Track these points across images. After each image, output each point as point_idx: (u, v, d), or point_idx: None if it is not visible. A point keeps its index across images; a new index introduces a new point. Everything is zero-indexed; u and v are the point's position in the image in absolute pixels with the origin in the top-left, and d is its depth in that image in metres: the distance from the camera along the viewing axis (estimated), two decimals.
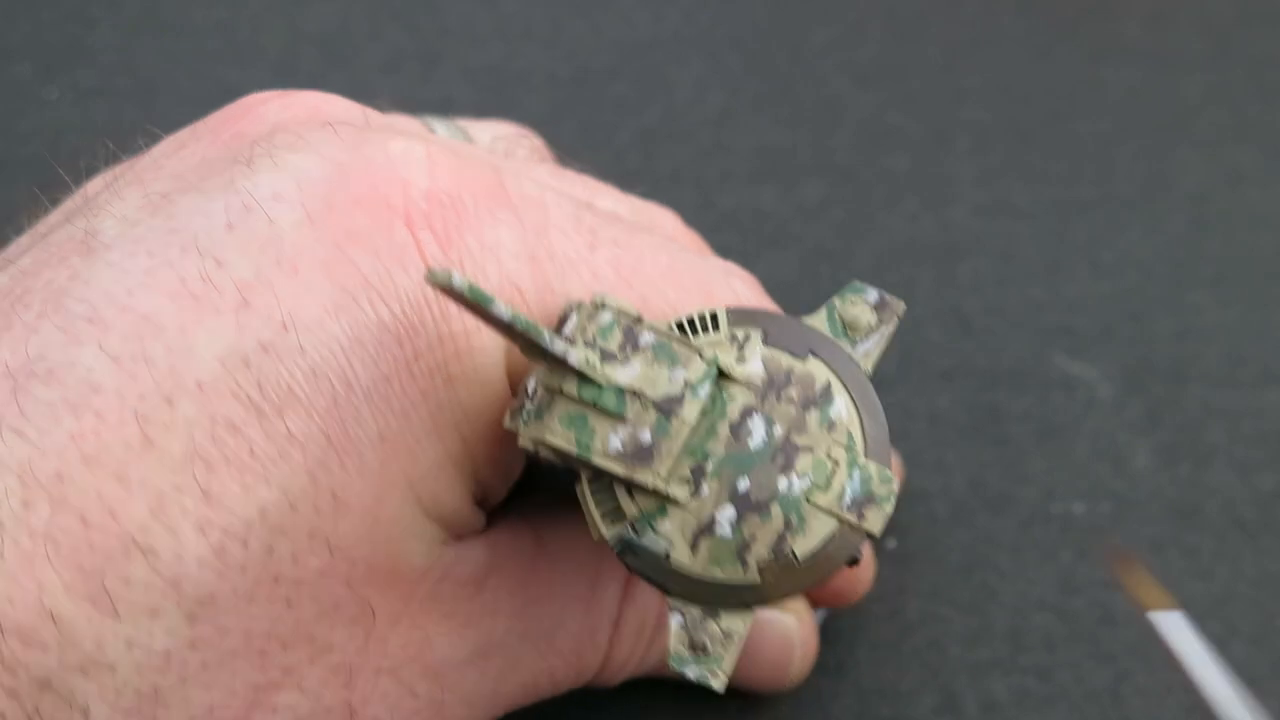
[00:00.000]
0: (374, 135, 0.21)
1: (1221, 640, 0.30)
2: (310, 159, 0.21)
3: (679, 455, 0.19)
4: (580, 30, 0.43)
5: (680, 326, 0.20)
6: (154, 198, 0.20)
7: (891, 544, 0.31)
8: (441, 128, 0.27)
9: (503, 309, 0.17)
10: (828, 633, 0.30)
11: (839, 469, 0.19)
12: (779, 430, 0.19)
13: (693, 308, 0.21)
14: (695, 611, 0.19)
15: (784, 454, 0.19)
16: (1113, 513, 0.32)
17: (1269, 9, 0.45)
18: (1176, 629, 0.19)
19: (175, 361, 0.19)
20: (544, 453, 0.19)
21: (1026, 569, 0.31)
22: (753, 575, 0.19)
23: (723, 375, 0.20)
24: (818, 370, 0.20)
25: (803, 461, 0.19)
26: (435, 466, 0.20)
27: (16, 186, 0.39)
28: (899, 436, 0.33)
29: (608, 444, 0.19)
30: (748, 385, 0.20)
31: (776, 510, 0.19)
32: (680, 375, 0.19)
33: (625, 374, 0.19)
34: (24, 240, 0.23)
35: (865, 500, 0.19)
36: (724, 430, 0.19)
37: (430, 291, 0.20)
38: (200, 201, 0.20)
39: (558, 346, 0.18)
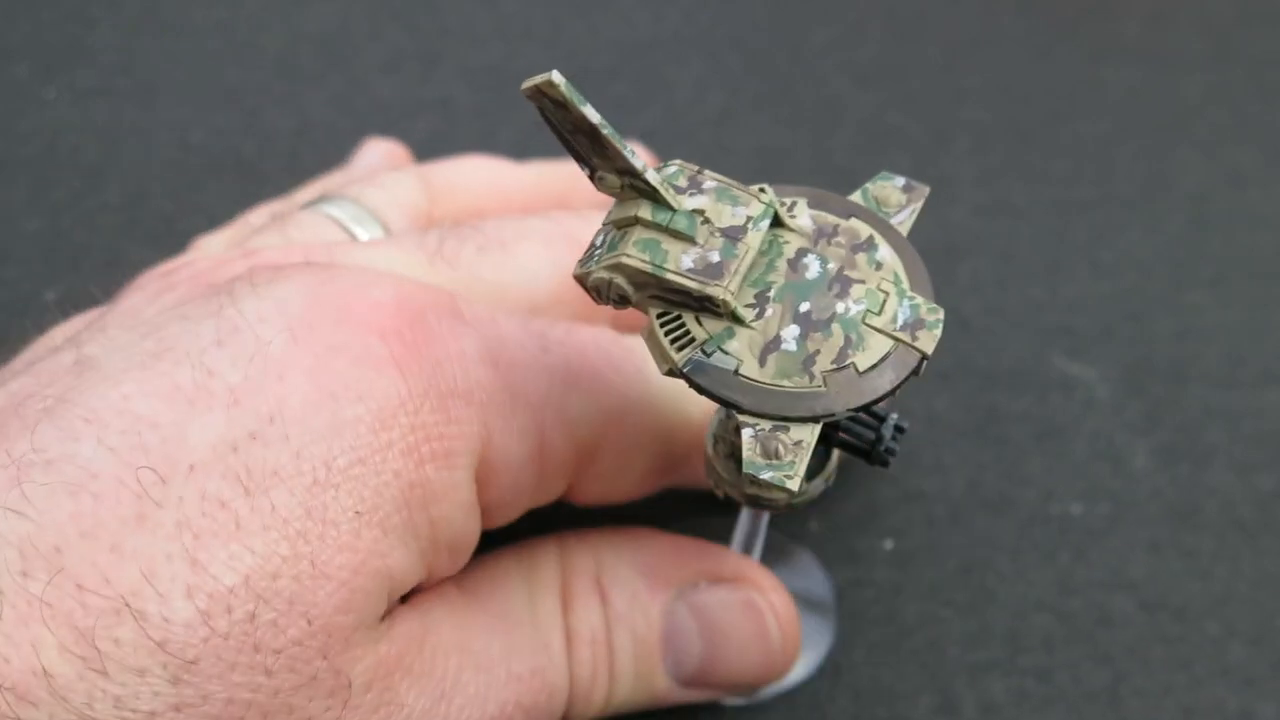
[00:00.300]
0: (343, 271, 0.24)
1: (1220, 641, 0.30)
2: (289, 288, 0.23)
3: (743, 280, 0.21)
4: (580, 30, 0.44)
5: None
6: (140, 327, 0.23)
7: (889, 545, 0.31)
8: (341, 209, 0.29)
9: (593, 112, 0.20)
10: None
11: (889, 298, 0.21)
12: (832, 265, 0.21)
13: (633, 372, 0.25)
14: (766, 424, 0.20)
15: (839, 283, 0.21)
16: (1111, 513, 0.32)
17: (1269, 9, 0.45)
18: None
19: (170, 450, 0.20)
20: (617, 282, 0.21)
21: (1025, 570, 0.31)
22: (819, 383, 0.20)
23: (777, 223, 0.21)
24: (860, 227, 0.22)
25: (856, 290, 0.21)
26: (401, 543, 0.22)
27: (15, 187, 0.39)
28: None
29: (680, 262, 0.21)
30: (799, 233, 0.22)
31: (837, 329, 0.21)
32: (742, 211, 0.21)
33: (693, 202, 0.21)
34: (3, 372, 0.25)
35: (916, 324, 0.21)
36: (782, 264, 0.21)
37: (404, 391, 0.22)
38: (189, 325, 0.22)
39: (636, 162, 0.20)
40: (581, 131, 0.20)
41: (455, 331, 0.23)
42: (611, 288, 0.21)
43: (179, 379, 0.21)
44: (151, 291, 0.25)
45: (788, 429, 0.20)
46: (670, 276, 0.21)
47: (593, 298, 0.21)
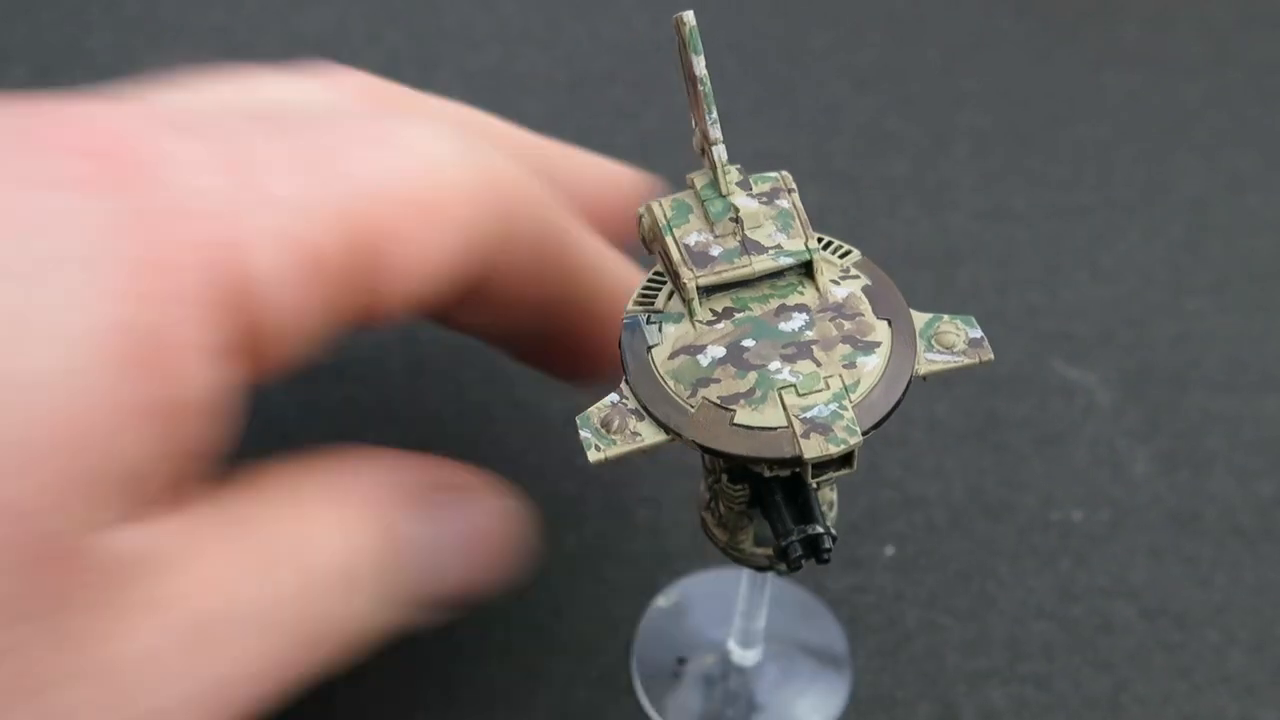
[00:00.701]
0: (35, 102, 0.21)
1: (1221, 648, 0.30)
2: None
3: (727, 288, 0.21)
4: (578, 34, 0.43)
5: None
6: None
7: (889, 551, 0.31)
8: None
9: (700, 66, 0.22)
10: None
11: (823, 393, 0.20)
12: (810, 334, 0.21)
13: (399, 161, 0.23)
14: (632, 401, 0.20)
15: (797, 349, 0.21)
16: (1111, 520, 0.32)
17: (1268, 13, 0.45)
18: None
19: None
20: (646, 221, 0.22)
21: (1025, 577, 0.31)
22: (693, 403, 0.20)
23: (810, 275, 0.22)
24: (881, 331, 0.21)
25: (804, 365, 0.21)
26: (117, 409, 0.18)
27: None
28: (897, 442, 0.33)
29: (687, 235, 0.21)
30: (821, 296, 0.21)
31: (751, 377, 0.20)
32: (779, 238, 0.21)
33: (744, 201, 0.22)
34: None
35: (822, 427, 0.20)
36: (773, 304, 0.21)
37: (119, 211, 0.19)
38: None
39: (714, 131, 0.22)
40: (688, 79, 0.22)
41: (177, 138, 0.20)
42: (641, 223, 0.22)
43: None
44: None
45: (642, 418, 0.20)
46: (668, 238, 0.21)
47: (640, 229, 0.22)
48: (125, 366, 0.18)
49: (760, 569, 0.24)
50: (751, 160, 0.40)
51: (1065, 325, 0.36)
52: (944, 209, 0.38)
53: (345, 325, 0.22)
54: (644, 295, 0.22)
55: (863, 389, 0.20)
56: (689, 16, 0.21)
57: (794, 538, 0.21)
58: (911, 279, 0.36)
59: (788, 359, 0.20)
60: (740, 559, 0.23)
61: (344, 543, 0.22)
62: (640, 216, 0.22)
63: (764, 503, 0.22)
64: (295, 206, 0.20)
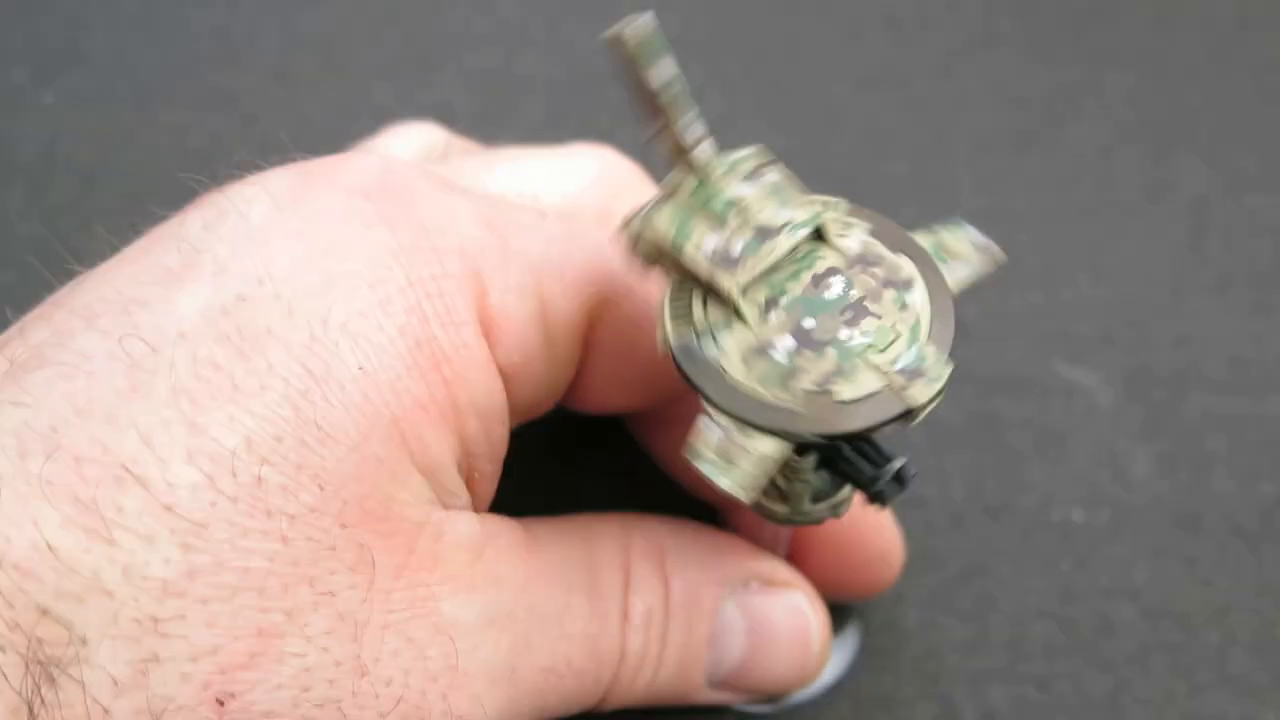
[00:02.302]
0: (326, 159, 0.23)
1: (1221, 649, 0.30)
2: (274, 173, 0.22)
3: (759, 279, 0.21)
4: (578, 34, 0.43)
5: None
6: (135, 235, 0.23)
7: None
8: None
9: (667, 70, 0.20)
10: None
11: (899, 340, 0.20)
12: (855, 292, 0.21)
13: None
14: (731, 423, 0.20)
15: (853, 311, 0.21)
16: (1112, 520, 0.32)
17: (1268, 14, 0.45)
18: None
19: (159, 320, 0.20)
20: (642, 246, 0.21)
21: (1026, 577, 0.31)
22: (795, 400, 0.20)
23: (821, 238, 0.21)
24: (906, 265, 0.21)
25: (868, 323, 0.21)
26: (417, 405, 0.21)
27: (12, 190, 0.39)
28: (898, 442, 0.33)
29: (702, 243, 0.21)
30: (839, 252, 0.21)
31: (831, 353, 0.20)
32: (785, 214, 0.21)
33: (739, 190, 0.21)
34: None
35: (915, 373, 0.20)
36: (806, 277, 0.21)
37: (393, 244, 0.21)
38: (179, 221, 0.22)
39: (693, 131, 0.21)
40: (644, 95, 0.20)
41: (444, 192, 0.23)
42: (640, 244, 0.21)
43: (167, 262, 0.21)
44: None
45: (750, 435, 0.20)
46: (687, 253, 0.21)
47: (629, 249, 0.21)
48: (421, 370, 0.21)
49: (819, 523, 0.24)
50: None
51: (1066, 326, 0.36)
52: (944, 210, 0.38)
53: (564, 382, 0.24)
54: (678, 313, 0.21)
55: (925, 325, 0.21)
56: (639, 27, 0.19)
57: (884, 479, 0.22)
58: None
59: (850, 323, 0.21)
60: (804, 521, 0.24)
61: (634, 598, 0.25)
62: (635, 237, 0.21)
63: (835, 463, 0.22)
64: (544, 267, 0.23)
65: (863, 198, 0.38)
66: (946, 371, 0.20)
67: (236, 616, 0.19)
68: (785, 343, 0.20)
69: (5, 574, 0.18)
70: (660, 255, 0.21)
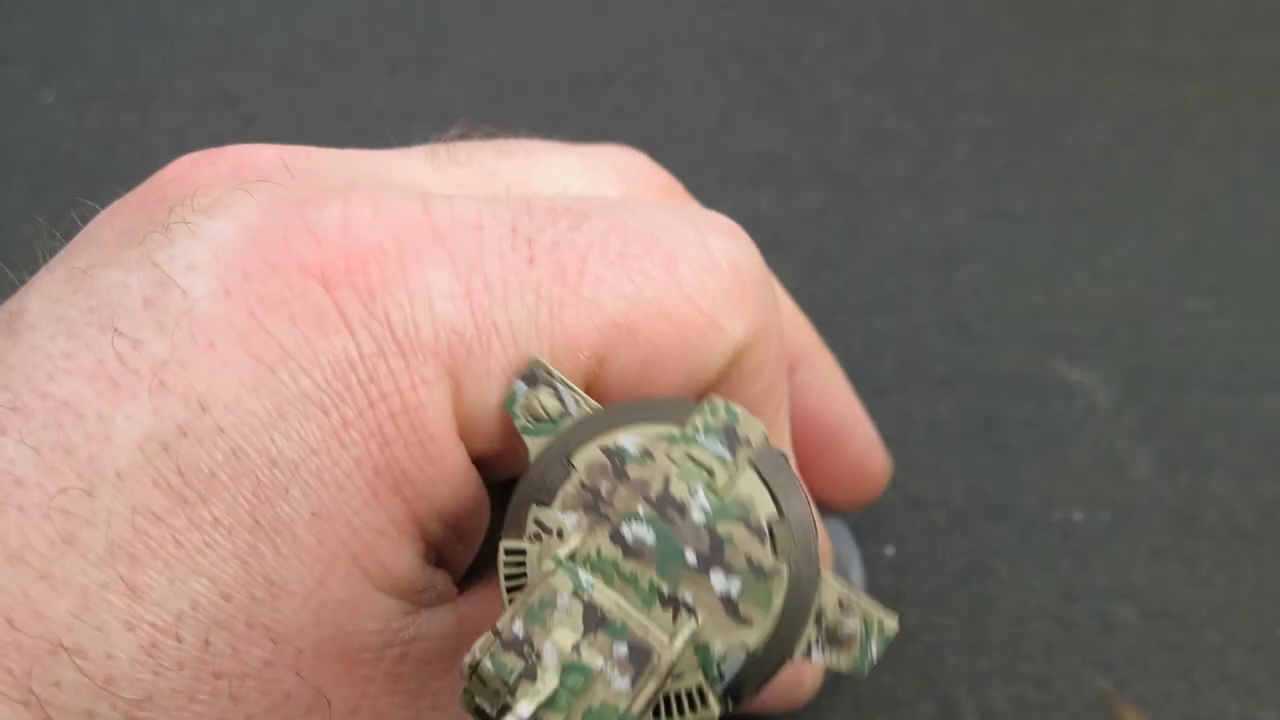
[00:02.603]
0: (291, 195, 0.20)
1: (1221, 649, 0.30)
2: (224, 224, 0.20)
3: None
4: (578, 34, 0.43)
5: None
6: (76, 272, 0.20)
7: (890, 551, 0.31)
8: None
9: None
10: None
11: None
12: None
13: (657, 293, 0.21)
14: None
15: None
16: (1112, 520, 0.32)
17: (1268, 14, 0.45)
18: None
19: (94, 450, 0.18)
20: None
21: (1025, 577, 0.31)
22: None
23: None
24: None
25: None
26: (377, 534, 0.19)
27: (12, 191, 0.39)
28: (897, 443, 0.33)
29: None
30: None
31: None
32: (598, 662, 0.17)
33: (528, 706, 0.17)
34: None
35: None
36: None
37: (354, 353, 0.19)
38: (119, 276, 0.20)
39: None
40: None
41: (419, 260, 0.20)
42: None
43: (103, 353, 0.19)
44: (111, 209, 0.22)
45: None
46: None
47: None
48: (380, 498, 0.19)
49: None
50: (751, 160, 0.40)
51: (1066, 326, 0.36)
52: (944, 209, 0.38)
53: None
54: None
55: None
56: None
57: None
58: (911, 280, 0.36)
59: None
60: None
61: None
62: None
63: None
64: (530, 338, 0.20)
65: (863, 198, 0.39)
66: None
67: None
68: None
69: None
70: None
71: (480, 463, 0.21)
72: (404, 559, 0.20)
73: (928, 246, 0.37)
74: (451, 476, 0.20)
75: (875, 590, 0.30)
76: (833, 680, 0.29)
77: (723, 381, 0.22)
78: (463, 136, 0.23)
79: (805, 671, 0.27)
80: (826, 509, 0.29)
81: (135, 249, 0.20)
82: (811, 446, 0.28)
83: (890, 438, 0.33)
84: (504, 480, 0.21)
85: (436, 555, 0.21)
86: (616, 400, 0.21)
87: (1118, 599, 0.30)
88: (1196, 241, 0.38)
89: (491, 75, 0.42)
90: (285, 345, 0.19)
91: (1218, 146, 0.40)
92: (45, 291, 0.20)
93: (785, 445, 0.24)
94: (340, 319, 0.19)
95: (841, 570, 0.30)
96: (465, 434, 0.20)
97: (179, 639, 0.18)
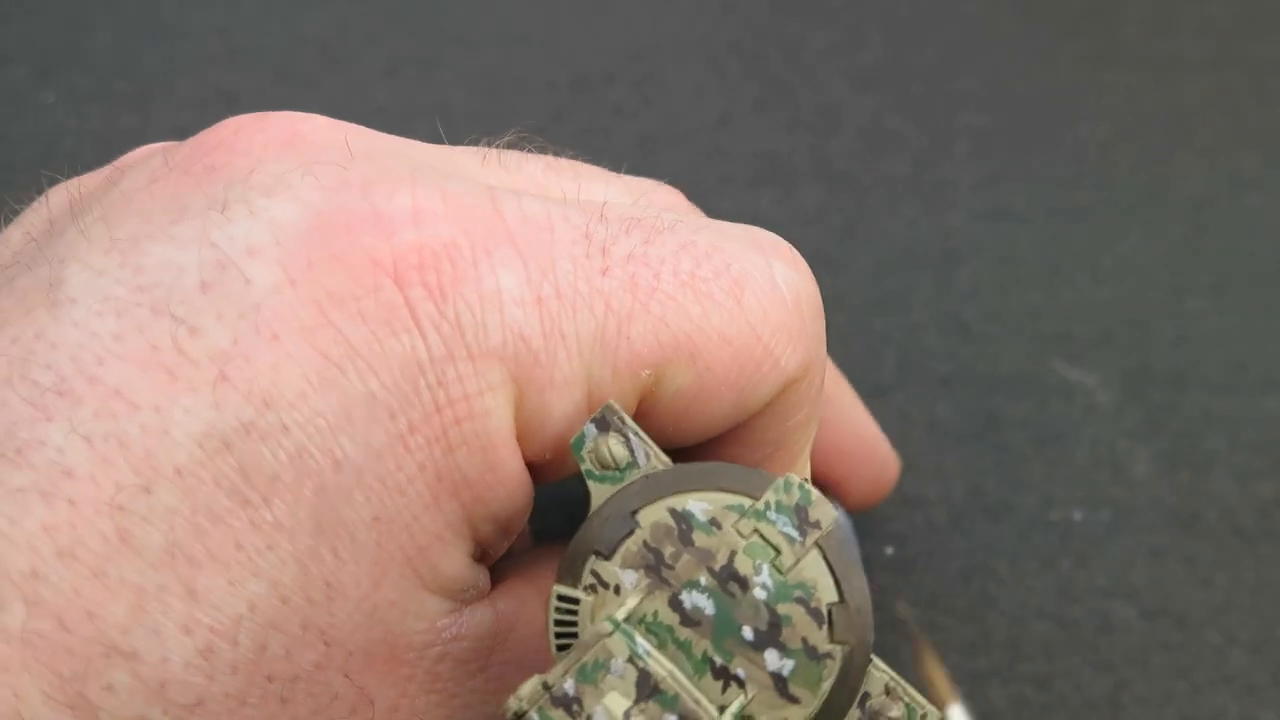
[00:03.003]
0: (354, 178, 0.20)
1: (1221, 648, 0.30)
2: (288, 207, 0.19)
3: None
4: (578, 34, 0.43)
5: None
6: (121, 243, 0.19)
7: (889, 551, 0.31)
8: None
9: None
10: None
11: None
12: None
13: (723, 319, 0.20)
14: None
15: None
16: (1112, 520, 0.32)
17: (1269, 13, 0.45)
18: None
19: (151, 444, 0.17)
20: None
21: (1025, 577, 0.31)
22: None
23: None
24: None
25: None
26: (433, 538, 0.19)
27: (13, 191, 0.39)
28: (897, 442, 0.33)
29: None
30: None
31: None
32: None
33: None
34: None
35: None
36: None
37: (424, 355, 0.18)
38: (172, 253, 0.19)
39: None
40: None
41: (491, 259, 0.19)
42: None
43: (157, 339, 0.18)
44: (149, 172, 0.20)
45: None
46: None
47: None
48: (439, 503, 0.19)
49: None
50: (751, 160, 0.40)
51: (1065, 325, 0.36)
52: (944, 209, 0.38)
53: None
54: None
55: None
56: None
57: None
58: (911, 280, 0.36)
59: None
60: None
61: None
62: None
63: None
64: (596, 350, 0.20)
65: (863, 197, 0.39)
66: None
67: None
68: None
69: None
70: None
71: (531, 467, 0.20)
72: (454, 560, 0.20)
73: (927, 246, 0.37)
74: (508, 482, 0.20)
75: (875, 590, 0.30)
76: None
77: (766, 410, 0.22)
78: (513, 145, 0.23)
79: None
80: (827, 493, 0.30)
81: (188, 224, 0.19)
82: (837, 464, 0.29)
83: (890, 437, 0.33)
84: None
85: (482, 555, 0.21)
86: (665, 421, 0.21)
87: (1117, 599, 0.30)
88: (1196, 241, 0.38)
89: (491, 75, 0.42)
90: (353, 343, 0.18)
91: (1218, 146, 0.40)
92: (86, 261, 0.19)
93: (805, 467, 0.24)
94: (411, 318, 0.18)
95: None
96: (521, 440, 0.20)
97: (235, 643, 0.18)
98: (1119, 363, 0.35)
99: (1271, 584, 0.31)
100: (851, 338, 0.34)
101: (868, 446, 0.29)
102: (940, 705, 0.21)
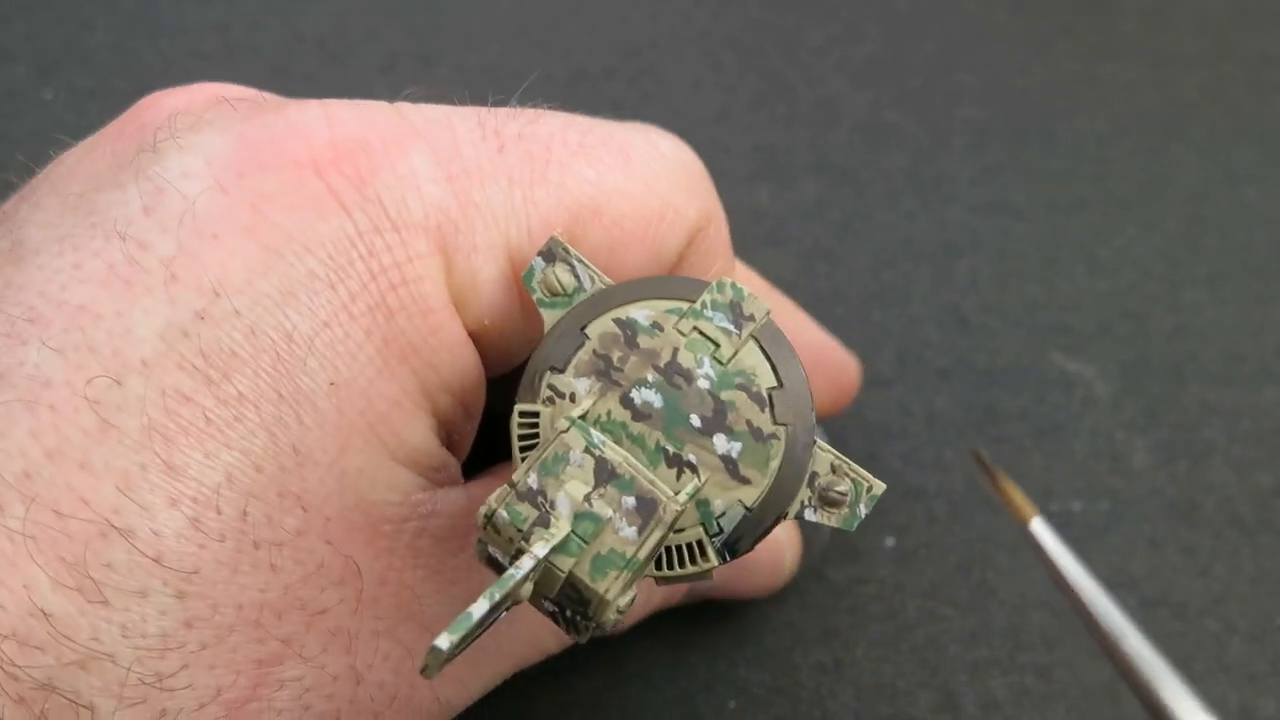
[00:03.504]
0: (270, 106, 0.22)
1: (1220, 637, 0.30)
2: (212, 135, 0.21)
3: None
4: (576, 30, 0.43)
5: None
6: (71, 199, 0.21)
7: (890, 542, 0.31)
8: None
9: (480, 609, 0.17)
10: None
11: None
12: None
13: (617, 179, 0.22)
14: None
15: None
16: (1111, 510, 0.32)
17: (1265, 8, 0.45)
18: (1045, 534, 0.21)
19: (117, 344, 0.19)
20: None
21: (1025, 567, 0.31)
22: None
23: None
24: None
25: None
26: (391, 404, 0.20)
27: (13, 189, 0.39)
28: (897, 435, 0.33)
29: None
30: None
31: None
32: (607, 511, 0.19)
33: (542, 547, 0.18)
34: None
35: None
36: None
37: (352, 230, 0.20)
38: (115, 194, 0.20)
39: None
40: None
41: (402, 149, 0.21)
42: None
43: (111, 258, 0.19)
44: (87, 145, 0.23)
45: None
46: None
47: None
48: (390, 368, 0.20)
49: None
50: (750, 155, 0.40)
51: (1063, 318, 0.36)
52: (942, 202, 0.39)
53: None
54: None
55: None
56: (440, 641, 0.17)
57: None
58: (910, 273, 0.37)
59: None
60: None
61: None
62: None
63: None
64: (509, 217, 0.22)
65: (861, 191, 0.39)
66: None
67: (236, 653, 0.19)
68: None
69: (3, 647, 0.17)
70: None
71: (474, 338, 0.22)
72: (417, 431, 0.21)
73: (926, 239, 0.38)
74: (453, 347, 0.21)
75: (876, 581, 0.30)
76: (834, 668, 0.29)
77: (681, 264, 0.24)
78: (428, 98, 0.25)
79: (785, 552, 0.29)
80: None
81: (127, 170, 0.21)
82: None
83: (890, 429, 0.33)
84: (498, 377, 0.23)
85: (446, 436, 0.22)
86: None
87: (1117, 588, 0.30)
88: (1193, 234, 0.38)
89: (489, 70, 0.42)
90: (287, 230, 0.20)
91: (1214, 139, 0.41)
92: (43, 221, 0.21)
93: None
94: (337, 202, 0.20)
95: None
96: (458, 307, 0.21)
97: (219, 511, 0.19)
98: (1117, 354, 0.35)
99: (1270, 573, 0.31)
100: (850, 331, 0.34)
101: (820, 352, 0.30)
102: (1025, 520, 0.23)
